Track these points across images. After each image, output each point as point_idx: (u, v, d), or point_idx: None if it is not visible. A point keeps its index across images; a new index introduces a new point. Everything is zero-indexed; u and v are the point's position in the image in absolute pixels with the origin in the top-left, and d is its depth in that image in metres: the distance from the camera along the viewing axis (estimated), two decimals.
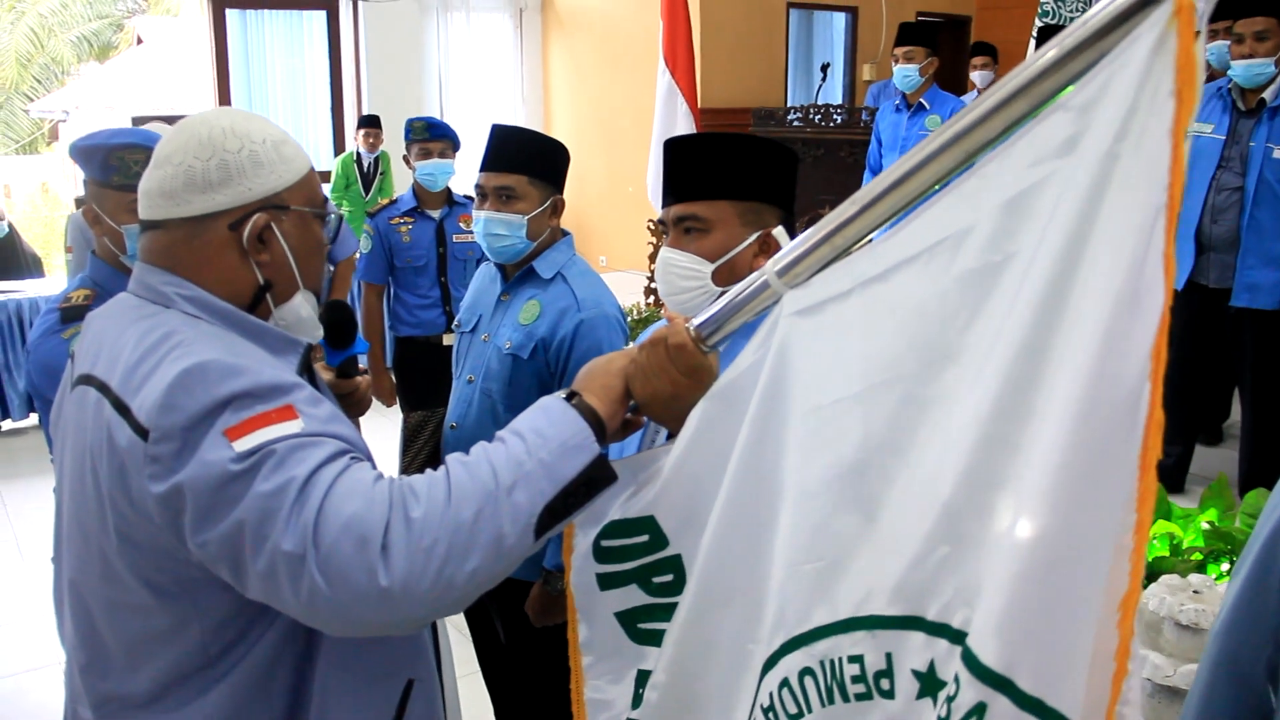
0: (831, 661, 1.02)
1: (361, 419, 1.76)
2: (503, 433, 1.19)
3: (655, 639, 1.27)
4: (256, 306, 1.31)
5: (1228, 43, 4.29)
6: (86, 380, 1.25)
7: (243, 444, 1.11)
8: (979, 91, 4.69)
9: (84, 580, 1.27)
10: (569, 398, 1.21)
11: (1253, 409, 4.44)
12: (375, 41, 8.71)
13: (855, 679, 1.00)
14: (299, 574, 1.07)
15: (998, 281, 0.90)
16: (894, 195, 0.97)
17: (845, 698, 1.01)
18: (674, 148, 1.68)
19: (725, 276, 1.59)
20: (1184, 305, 4.49)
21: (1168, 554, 2.78)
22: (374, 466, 1.18)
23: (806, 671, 1.04)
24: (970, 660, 0.83)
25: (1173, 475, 4.55)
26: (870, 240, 1.02)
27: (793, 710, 1.06)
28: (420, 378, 4.09)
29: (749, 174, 1.62)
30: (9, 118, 17.09)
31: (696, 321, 1.22)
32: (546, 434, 1.16)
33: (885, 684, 0.98)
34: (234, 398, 1.13)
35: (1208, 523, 2.89)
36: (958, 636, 0.89)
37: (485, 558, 1.10)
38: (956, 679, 0.87)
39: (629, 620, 1.31)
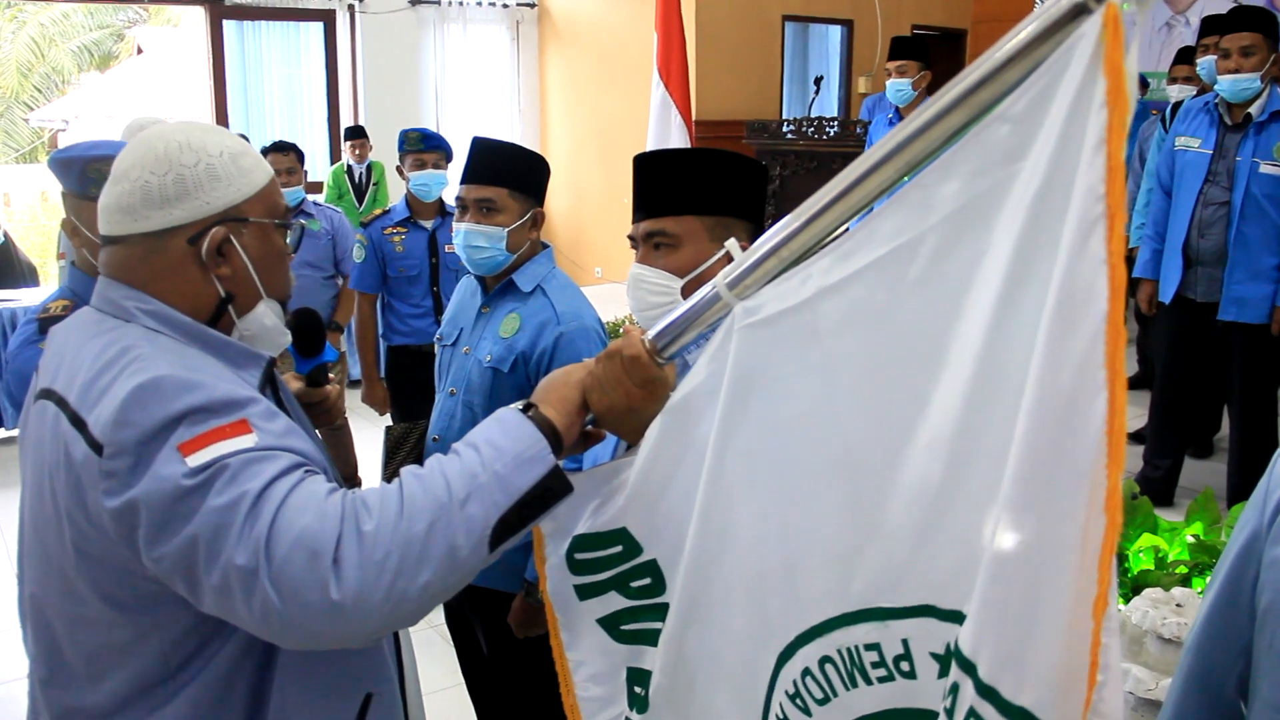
0: (849, 649, 1.04)
1: (353, 429, 1.75)
2: (458, 445, 1.19)
3: (641, 638, 1.28)
4: (219, 318, 1.31)
5: (1215, 58, 4.31)
6: (46, 394, 1.25)
7: (196, 459, 1.10)
8: None
9: (44, 594, 1.27)
10: (526, 409, 1.21)
11: (1241, 422, 4.44)
12: (372, 52, 8.73)
13: (875, 664, 1.03)
14: (252, 588, 1.07)
15: (953, 289, 0.91)
16: (839, 207, 0.97)
17: (868, 681, 1.03)
18: (642, 164, 1.68)
19: (694, 291, 1.58)
20: (1172, 319, 4.50)
21: (1152, 567, 2.77)
22: (330, 479, 1.18)
23: (826, 659, 1.06)
24: (957, 642, 0.87)
25: (1162, 489, 4.53)
26: (820, 249, 1.02)
27: (819, 695, 1.08)
28: (413, 386, 4.08)
29: (716, 189, 1.62)
30: (9, 127, 17.18)
31: (651, 333, 1.21)
32: (501, 446, 1.15)
33: (905, 666, 1.01)
34: (188, 413, 1.13)
35: (1193, 536, 2.88)
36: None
37: (438, 570, 1.10)
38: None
39: (611, 624, 1.31)
